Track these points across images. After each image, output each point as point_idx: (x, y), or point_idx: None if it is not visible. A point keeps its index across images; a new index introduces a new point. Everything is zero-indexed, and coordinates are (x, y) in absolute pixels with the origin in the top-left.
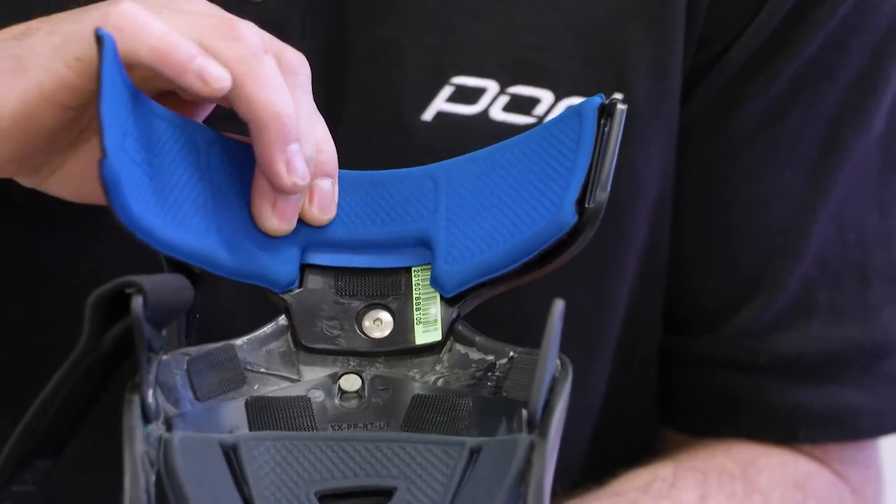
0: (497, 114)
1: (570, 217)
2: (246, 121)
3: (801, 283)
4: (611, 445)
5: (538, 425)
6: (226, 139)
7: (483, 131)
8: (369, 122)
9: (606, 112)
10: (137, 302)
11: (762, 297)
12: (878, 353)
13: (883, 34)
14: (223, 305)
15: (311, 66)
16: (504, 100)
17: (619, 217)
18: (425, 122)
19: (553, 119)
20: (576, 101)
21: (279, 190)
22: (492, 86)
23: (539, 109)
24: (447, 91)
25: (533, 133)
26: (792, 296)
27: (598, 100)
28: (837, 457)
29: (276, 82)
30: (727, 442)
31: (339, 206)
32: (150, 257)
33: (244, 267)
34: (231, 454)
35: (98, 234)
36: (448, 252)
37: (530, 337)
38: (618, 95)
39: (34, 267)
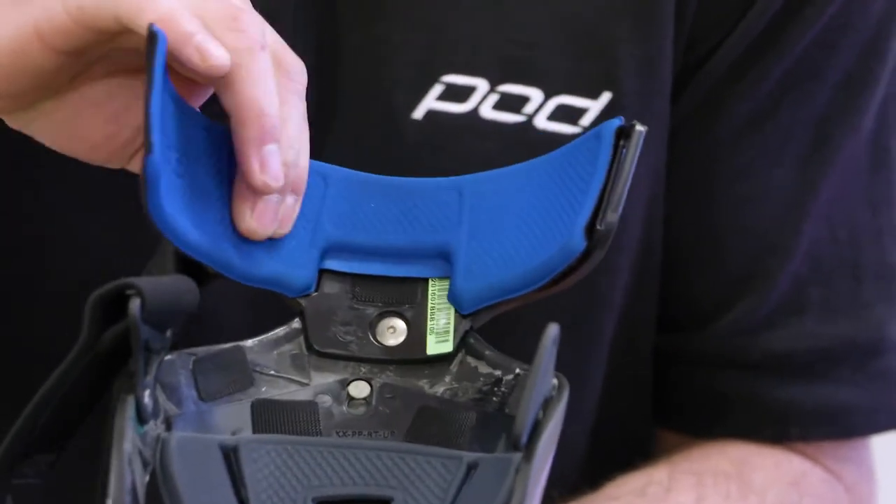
0: (487, 112)
1: (578, 244)
2: (228, 114)
3: (793, 280)
4: (610, 447)
5: (524, 448)
6: None
7: (473, 129)
8: (361, 120)
9: (625, 134)
10: (135, 304)
11: (753, 295)
12: (871, 350)
13: (872, 33)
14: (216, 302)
15: (302, 63)
16: (494, 98)
17: None
18: (416, 121)
19: (576, 141)
20: (565, 99)
21: (252, 188)
22: (482, 84)
23: (529, 108)
24: (437, 89)
25: (558, 154)
26: (783, 294)
27: (617, 122)
28: (831, 455)
29: (266, 80)
30: (721, 442)
31: (363, 211)
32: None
33: (259, 271)
34: (231, 456)
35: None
36: (467, 269)
37: (521, 340)
38: (606, 93)
39: (33, 249)
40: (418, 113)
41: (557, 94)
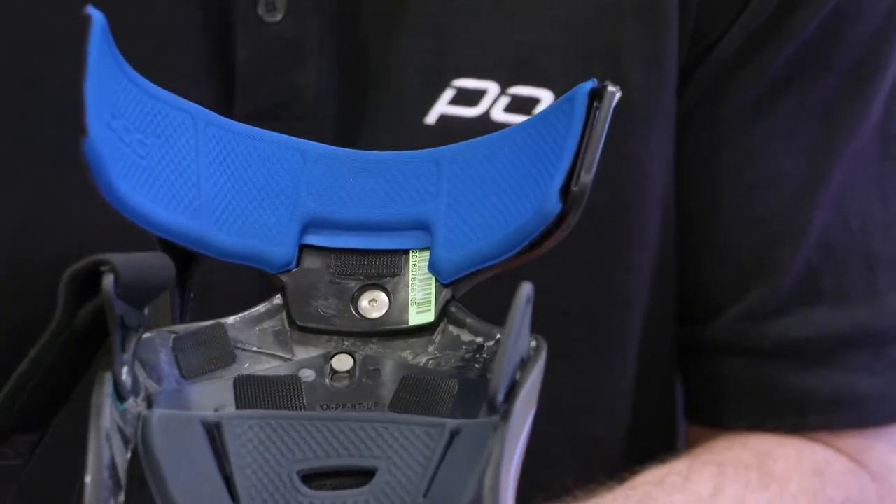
0: (499, 115)
1: (553, 206)
2: None
3: (805, 269)
4: (645, 446)
5: (500, 408)
6: (224, 120)
7: (485, 133)
8: (374, 127)
9: (598, 96)
10: (108, 280)
11: (764, 283)
12: (886, 338)
13: (881, 21)
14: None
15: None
16: (505, 101)
17: (623, 212)
18: (428, 126)
19: (550, 105)
20: None
21: None
22: (492, 87)
23: (539, 109)
24: (449, 94)
25: (533, 120)
26: (796, 282)
27: (589, 84)
28: (855, 444)
29: None
30: (744, 435)
31: (342, 185)
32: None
33: (238, 248)
34: (214, 432)
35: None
36: (447, 238)
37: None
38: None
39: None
40: (431, 118)
41: None
